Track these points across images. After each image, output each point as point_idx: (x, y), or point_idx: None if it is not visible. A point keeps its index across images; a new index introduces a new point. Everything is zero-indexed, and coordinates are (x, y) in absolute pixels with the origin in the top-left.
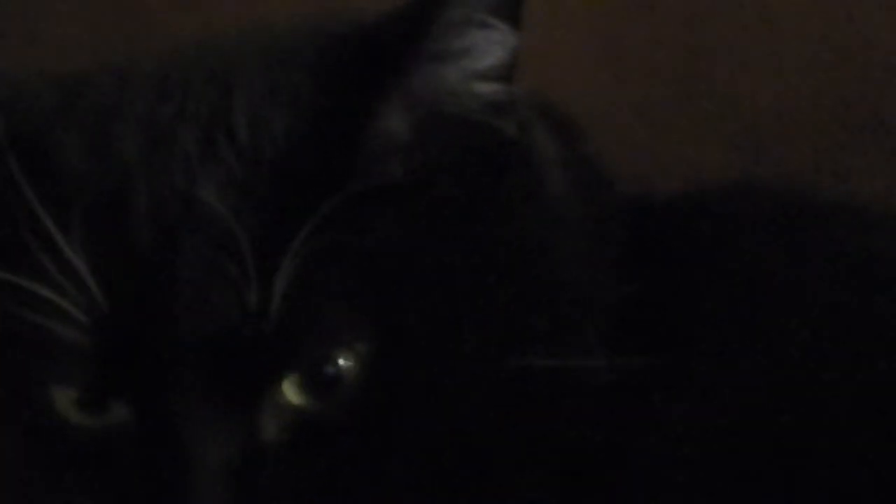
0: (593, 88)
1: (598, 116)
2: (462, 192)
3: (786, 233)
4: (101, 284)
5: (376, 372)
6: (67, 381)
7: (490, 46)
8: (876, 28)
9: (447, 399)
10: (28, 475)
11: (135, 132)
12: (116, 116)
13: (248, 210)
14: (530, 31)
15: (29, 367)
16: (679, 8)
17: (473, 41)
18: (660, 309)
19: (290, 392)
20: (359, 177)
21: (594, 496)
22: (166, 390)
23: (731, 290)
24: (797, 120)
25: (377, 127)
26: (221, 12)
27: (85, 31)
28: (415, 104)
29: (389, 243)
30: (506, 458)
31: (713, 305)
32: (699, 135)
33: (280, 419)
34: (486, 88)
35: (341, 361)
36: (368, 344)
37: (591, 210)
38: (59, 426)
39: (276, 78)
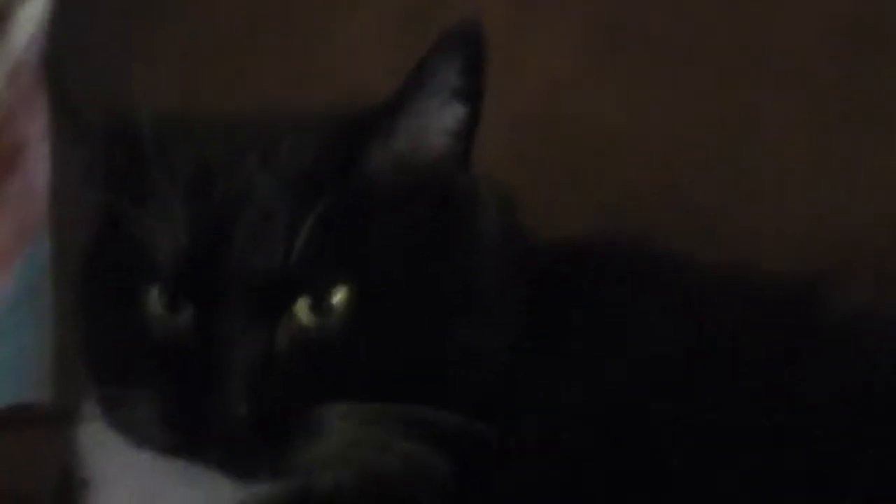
0: None
1: None
2: (422, 213)
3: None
4: (187, 229)
5: (356, 309)
6: (158, 287)
7: (448, 118)
8: None
9: (399, 333)
10: (113, 357)
11: (221, 151)
12: (212, 141)
13: (283, 199)
14: None
15: (133, 275)
16: None
17: (437, 114)
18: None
19: (301, 313)
20: (351, 186)
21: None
22: (218, 303)
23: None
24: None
25: (365, 161)
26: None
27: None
28: (393, 146)
29: (371, 230)
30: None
31: (584, 336)
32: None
33: (290, 334)
34: (444, 146)
35: (336, 296)
36: (354, 286)
37: (510, 254)
38: (147, 319)
39: (310, 129)
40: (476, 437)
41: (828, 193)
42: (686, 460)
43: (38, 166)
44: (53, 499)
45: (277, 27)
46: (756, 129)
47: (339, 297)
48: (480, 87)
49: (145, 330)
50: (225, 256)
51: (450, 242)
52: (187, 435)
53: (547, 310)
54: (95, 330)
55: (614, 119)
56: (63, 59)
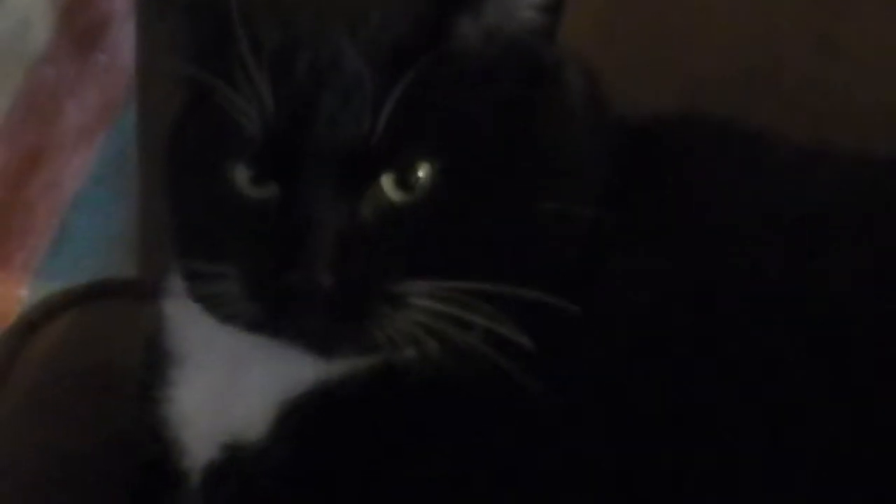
0: None
1: None
2: (510, 88)
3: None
4: (273, 102)
5: (441, 185)
6: (244, 161)
7: None
8: None
9: (483, 209)
10: (198, 231)
11: (308, 22)
12: (299, 13)
13: (369, 72)
14: None
15: (219, 149)
16: None
17: None
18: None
19: (386, 188)
20: (439, 60)
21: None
22: (303, 177)
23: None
24: None
25: (453, 36)
26: None
27: None
28: (483, 20)
29: (457, 105)
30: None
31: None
32: None
33: (375, 209)
34: (532, 21)
35: (420, 172)
36: (439, 161)
37: (595, 130)
38: (233, 194)
39: (399, 2)
40: (556, 313)
41: None
42: (765, 333)
43: (123, 41)
44: (138, 374)
45: None
46: (852, 7)
47: (423, 172)
48: None
49: (231, 204)
50: (310, 129)
51: (535, 118)
52: (271, 309)
53: (630, 185)
54: (181, 204)
55: None
56: None
